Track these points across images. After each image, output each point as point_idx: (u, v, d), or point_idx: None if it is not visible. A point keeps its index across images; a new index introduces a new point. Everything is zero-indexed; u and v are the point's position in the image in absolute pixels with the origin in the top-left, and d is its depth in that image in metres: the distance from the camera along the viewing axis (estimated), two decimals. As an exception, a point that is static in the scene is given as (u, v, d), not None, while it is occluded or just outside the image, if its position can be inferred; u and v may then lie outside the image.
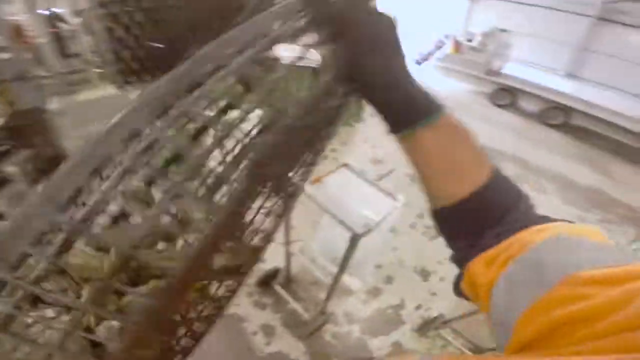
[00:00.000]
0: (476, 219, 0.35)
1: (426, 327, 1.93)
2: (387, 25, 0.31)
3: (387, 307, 2.09)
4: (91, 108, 2.76)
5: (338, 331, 1.90)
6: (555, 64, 6.72)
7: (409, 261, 2.39)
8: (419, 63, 6.96)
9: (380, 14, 0.31)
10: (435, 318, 1.92)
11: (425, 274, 2.33)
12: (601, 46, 6.23)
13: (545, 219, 0.33)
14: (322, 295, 1.79)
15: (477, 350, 1.81)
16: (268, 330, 1.84)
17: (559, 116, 5.51)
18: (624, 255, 0.26)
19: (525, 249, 0.29)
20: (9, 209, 1.46)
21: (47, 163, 2.15)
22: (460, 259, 0.36)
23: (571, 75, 6.56)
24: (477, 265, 0.33)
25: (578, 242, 0.28)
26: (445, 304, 2.11)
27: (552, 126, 5.54)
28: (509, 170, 3.86)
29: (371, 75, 0.31)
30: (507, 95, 6.03)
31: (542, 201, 3.43)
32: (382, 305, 2.10)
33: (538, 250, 0.28)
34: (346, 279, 1.84)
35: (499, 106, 6.07)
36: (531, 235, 0.30)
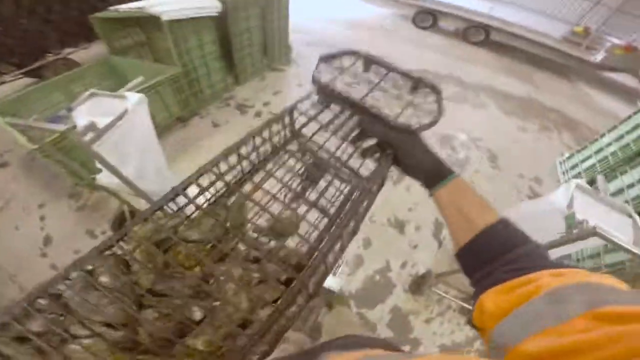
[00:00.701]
0: (488, 251, 0.41)
1: (419, 287, 1.78)
2: (417, 139, 0.52)
3: (374, 272, 1.88)
4: None
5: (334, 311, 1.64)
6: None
7: (379, 215, 2.14)
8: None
9: (412, 132, 0.51)
10: (424, 275, 1.80)
11: (400, 226, 2.12)
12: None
13: (559, 264, 0.36)
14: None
15: (470, 299, 1.70)
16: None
17: (480, 34, 5.54)
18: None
19: (542, 290, 0.31)
20: None
21: None
22: (477, 293, 0.40)
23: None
24: (489, 295, 0.37)
25: (597, 285, 0.30)
26: (428, 254, 2.01)
27: (474, 44, 5.55)
28: (449, 90, 3.74)
29: (410, 167, 0.52)
30: (428, 17, 5.85)
31: (486, 116, 3.43)
32: (368, 272, 1.88)
33: (557, 291, 0.30)
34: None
35: (423, 28, 5.89)
36: (548, 279, 0.33)
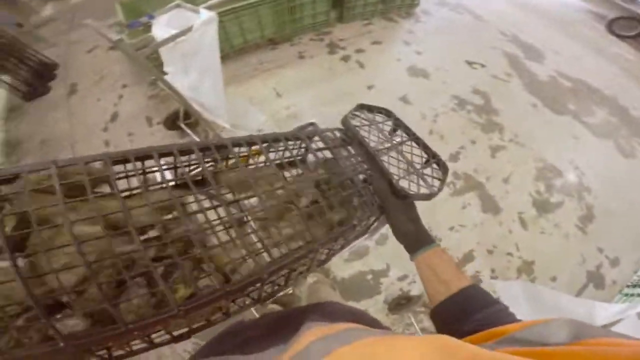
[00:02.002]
0: (461, 310, 0.45)
1: (398, 306, 1.53)
2: (409, 205, 0.56)
3: (369, 271, 1.65)
4: None
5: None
6: None
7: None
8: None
9: (406, 197, 0.55)
10: (412, 298, 1.53)
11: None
12: None
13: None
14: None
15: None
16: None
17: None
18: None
19: (512, 330, 0.31)
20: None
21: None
22: None
23: None
24: None
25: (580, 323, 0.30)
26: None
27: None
28: (598, 116, 2.72)
29: (395, 228, 0.55)
30: (635, 26, 4.26)
31: (624, 168, 2.35)
32: (364, 268, 1.66)
33: (532, 329, 0.29)
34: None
35: (619, 37, 4.37)
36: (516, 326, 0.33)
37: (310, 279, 1.32)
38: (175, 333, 0.35)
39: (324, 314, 0.50)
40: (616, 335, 0.26)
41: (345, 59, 2.67)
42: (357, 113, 0.65)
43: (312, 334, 0.36)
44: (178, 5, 1.50)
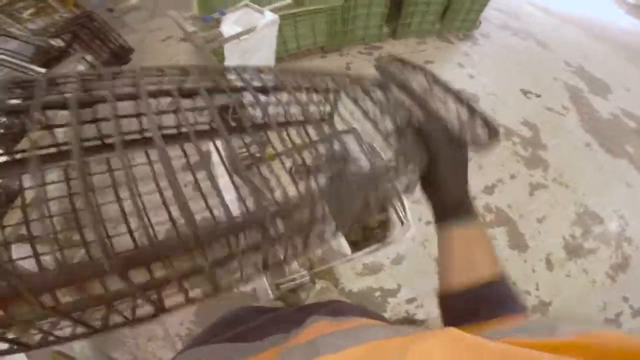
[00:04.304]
0: (478, 305, 0.39)
1: None
2: (464, 155, 0.43)
3: (379, 288, 1.69)
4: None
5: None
6: None
7: (431, 248, 1.80)
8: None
9: (464, 145, 0.43)
10: (415, 322, 1.57)
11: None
12: None
13: None
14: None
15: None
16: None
17: None
18: None
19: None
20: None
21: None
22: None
23: None
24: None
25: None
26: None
27: None
28: None
29: (438, 185, 0.43)
30: None
31: None
32: (374, 284, 1.70)
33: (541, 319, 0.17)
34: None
35: None
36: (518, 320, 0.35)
37: (318, 285, 1.43)
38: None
39: (332, 310, 0.46)
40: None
41: (394, 75, 2.71)
42: (393, 64, 0.54)
43: (319, 327, 0.35)
44: (247, 5, 1.63)
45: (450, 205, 0.43)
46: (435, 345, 0.23)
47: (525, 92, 2.75)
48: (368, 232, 1.56)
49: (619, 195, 2.20)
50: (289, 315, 0.48)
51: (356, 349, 0.26)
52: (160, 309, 0.27)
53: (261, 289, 1.22)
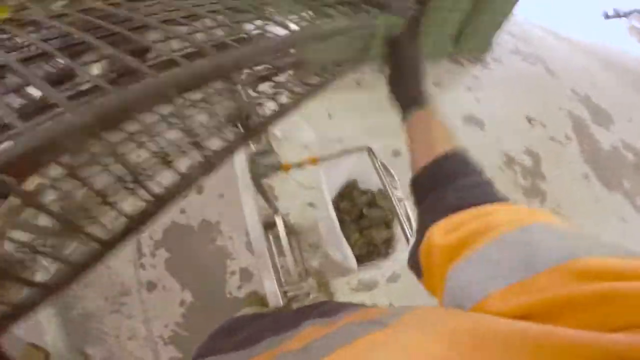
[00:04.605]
0: (444, 175, 0.41)
1: None
2: (419, 42, 0.54)
3: (372, 305, 1.73)
4: None
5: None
6: None
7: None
8: (607, 17, 4.80)
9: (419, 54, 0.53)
10: None
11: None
12: None
13: (507, 200, 0.35)
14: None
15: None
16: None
17: None
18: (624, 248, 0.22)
19: (497, 233, 0.28)
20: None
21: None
22: (422, 228, 0.38)
23: None
24: (437, 229, 0.34)
25: (564, 230, 0.26)
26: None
27: None
28: None
29: (407, 79, 0.52)
30: None
31: None
32: (368, 300, 1.79)
33: (516, 236, 0.26)
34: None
35: None
36: (502, 216, 0.30)
37: (312, 296, 1.49)
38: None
39: (323, 311, 0.45)
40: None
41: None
42: None
43: (312, 331, 0.35)
44: None
45: (411, 93, 0.51)
46: (413, 338, 0.22)
47: (530, 120, 2.82)
48: (372, 248, 1.64)
49: (614, 229, 2.28)
50: (285, 318, 0.49)
51: (345, 349, 0.25)
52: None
53: (272, 295, 1.29)
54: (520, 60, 3.32)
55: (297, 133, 2.36)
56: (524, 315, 0.20)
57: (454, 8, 2.68)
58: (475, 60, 3.10)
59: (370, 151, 1.26)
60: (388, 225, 1.63)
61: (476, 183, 0.39)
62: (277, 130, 1.99)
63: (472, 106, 2.80)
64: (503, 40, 3.22)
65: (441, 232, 0.34)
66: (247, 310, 0.94)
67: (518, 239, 0.26)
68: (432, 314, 0.24)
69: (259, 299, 1.64)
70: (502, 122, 2.73)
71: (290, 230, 1.77)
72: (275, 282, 1.27)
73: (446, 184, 0.39)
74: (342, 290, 1.80)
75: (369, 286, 1.83)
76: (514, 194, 2.32)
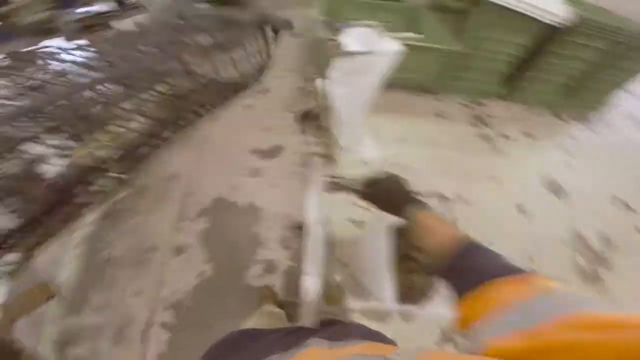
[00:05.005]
0: (461, 274, 0.45)
1: None
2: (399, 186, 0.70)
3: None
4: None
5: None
6: None
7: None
8: None
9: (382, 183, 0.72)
10: None
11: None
12: None
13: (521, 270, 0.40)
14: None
15: None
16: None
17: None
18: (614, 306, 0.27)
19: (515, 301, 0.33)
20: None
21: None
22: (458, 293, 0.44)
23: None
24: (467, 301, 0.40)
25: (566, 294, 0.31)
26: None
27: None
28: None
29: (390, 204, 0.68)
30: None
31: None
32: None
33: (531, 303, 0.31)
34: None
35: None
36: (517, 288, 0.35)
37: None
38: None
39: (332, 333, 0.45)
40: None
41: (484, 137, 2.60)
42: None
43: (316, 353, 0.35)
44: (371, 26, 1.57)
45: (402, 204, 0.63)
46: None
47: (618, 201, 2.56)
48: (407, 290, 1.59)
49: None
50: (288, 335, 0.50)
51: None
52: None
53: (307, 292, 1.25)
54: (631, 127, 2.93)
55: (361, 147, 2.33)
56: (525, 352, 0.25)
57: (562, 72, 2.47)
58: (578, 116, 2.81)
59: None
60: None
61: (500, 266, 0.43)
62: (343, 141, 1.98)
63: (558, 170, 2.54)
64: (620, 99, 2.85)
65: (469, 302, 0.40)
66: (251, 324, 0.98)
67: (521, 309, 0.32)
68: (443, 358, 0.26)
69: (272, 294, 1.66)
70: (586, 197, 2.44)
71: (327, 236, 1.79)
72: (319, 280, 1.24)
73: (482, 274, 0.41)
74: (354, 316, 1.73)
75: (382, 317, 1.82)
76: (570, 274, 2.19)
